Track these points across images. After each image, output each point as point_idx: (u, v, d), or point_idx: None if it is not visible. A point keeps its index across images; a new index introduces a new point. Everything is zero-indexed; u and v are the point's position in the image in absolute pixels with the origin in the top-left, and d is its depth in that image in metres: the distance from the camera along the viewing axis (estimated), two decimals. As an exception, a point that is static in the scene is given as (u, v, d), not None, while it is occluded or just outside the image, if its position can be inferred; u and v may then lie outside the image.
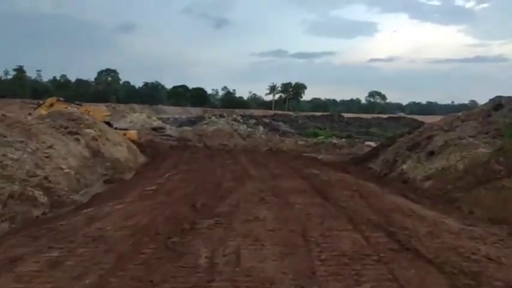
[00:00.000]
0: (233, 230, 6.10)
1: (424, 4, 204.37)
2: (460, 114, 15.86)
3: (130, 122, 38.56)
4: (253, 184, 10.18)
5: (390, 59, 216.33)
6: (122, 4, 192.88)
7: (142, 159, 18.57)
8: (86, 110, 25.40)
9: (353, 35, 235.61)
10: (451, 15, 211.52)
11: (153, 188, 9.76)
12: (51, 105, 23.02)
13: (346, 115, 72.27)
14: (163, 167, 15.11)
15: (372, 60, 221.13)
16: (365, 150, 33.28)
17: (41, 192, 9.44)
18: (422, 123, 68.31)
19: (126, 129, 28.87)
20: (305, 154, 26.15)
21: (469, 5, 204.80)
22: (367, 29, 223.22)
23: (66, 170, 12.16)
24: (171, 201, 7.74)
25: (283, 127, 47.10)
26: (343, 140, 40.03)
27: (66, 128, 15.62)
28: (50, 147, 12.71)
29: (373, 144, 39.47)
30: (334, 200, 8.42)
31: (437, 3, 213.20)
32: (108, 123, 25.65)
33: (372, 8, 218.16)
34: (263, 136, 34.68)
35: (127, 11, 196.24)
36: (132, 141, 25.71)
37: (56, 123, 15.42)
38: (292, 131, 45.95)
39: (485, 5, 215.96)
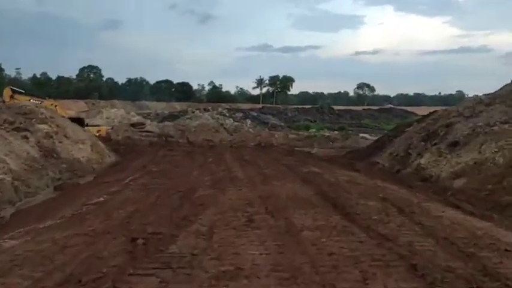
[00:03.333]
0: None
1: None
2: (481, 96, 13.51)
3: (107, 118, 35.70)
4: (238, 192, 7.53)
5: (376, 52, 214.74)
6: (106, 1, 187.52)
7: (110, 159, 15.91)
8: (51, 104, 22.85)
9: (338, 28, 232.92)
10: (436, 7, 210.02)
11: (100, 199, 7.20)
12: (11, 97, 20.03)
13: (336, 107, 70.08)
14: (130, 168, 12.50)
15: (357, 53, 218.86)
16: (360, 143, 31.27)
17: None
18: (413, 113, 67.08)
19: (99, 126, 26.24)
20: (297, 148, 23.87)
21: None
22: (353, 22, 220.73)
23: (1, 176, 9.51)
24: (103, 230, 5.00)
25: (273, 120, 44.67)
26: (336, 132, 38.03)
27: (12, 123, 12.90)
28: (-20, 147, 10.05)
29: (368, 136, 37.55)
30: (362, 219, 5.68)
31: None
32: (78, 119, 23.16)
33: (357, 1, 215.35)
34: (251, 130, 32.27)
35: (112, 8, 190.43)
36: (104, 138, 23.25)
37: (-3, 118, 12.69)
38: (282, 124, 43.57)
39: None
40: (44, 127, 13.77)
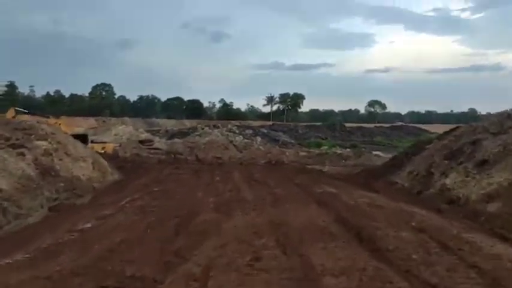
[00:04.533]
0: None
1: (419, 15, 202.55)
2: (509, 111, 12.50)
3: (115, 135, 35.12)
4: (245, 216, 6.61)
5: (386, 70, 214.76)
6: (120, 21, 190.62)
7: (113, 176, 15.15)
8: (55, 122, 22.49)
9: (349, 46, 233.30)
10: (446, 25, 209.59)
11: (87, 226, 6.36)
12: (13, 117, 19.76)
13: (347, 124, 69.05)
14: (131, 187, 11.71)
15: (368, 71, 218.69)
16: (373, 161, 30.17)
17: None
18: (425, 131, 65.80)
19: (105, 142, 25.64)
20: (308, 166, 23.01)
21: (464, 15, 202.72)
22: (364, 40, 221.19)
23: (-13, 197, 8.77)
24: (71, 272, 3.87)
25: (283, 137, 43.79)
26: (348, 150, 36.98)
27: (8, 139, 12.22)
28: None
29: (381, 153, 36.44)
30: (398, 258, 4.57)
31: (432, 14, 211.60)
32: (83, 136, 22.64)
33: (368, 20, 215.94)
34: (261, 147, 31.44)
35: (125, 28, 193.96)
36: (111, 155, 22.64)
37: (-7, 134, 12.04)
38: (293, 141, 42.67)
39: (480, 15, 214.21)
40: (43, 143, 13.08)
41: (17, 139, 12.40)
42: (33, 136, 13.25)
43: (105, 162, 15.81)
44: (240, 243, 5.06)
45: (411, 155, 15.38)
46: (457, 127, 15.10)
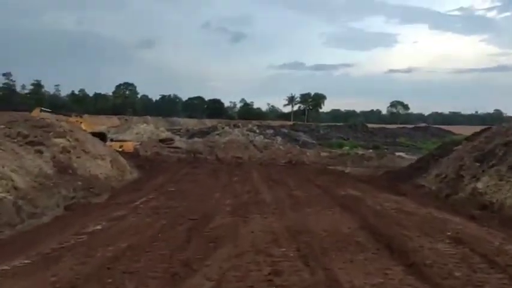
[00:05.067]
0: None
1: (444, 15, 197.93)
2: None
3: (136, 134, 35.29)
4: (263, 221, 6.21)
5: (409, 70, 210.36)
6: (142, 21, 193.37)
7: (132, 175, 15.00)
8: (76, 120, 22.84)
9: (372, 46, 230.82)
10: (472, 25, 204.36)
11: (97, 228, 6.09)
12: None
13: (369, 125, 67.75)
14: (147, 187, 11.47)
15: (391, 71, 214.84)
16: (397, 162, 29.32)
17: None
18: (450, 132, 63.90)
19: (124, 141, 25.69)
20: (330, 167, 22.51)
21: (490, 14, 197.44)
22: (386, 40, 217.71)
23: (2, 195, 8.63)
24: (68, 283, 3.68)
25: (304, 137, 43.19)
26: (370, 150, 36.20)
27: (26, 136, 12.16)
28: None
29: (404, 155, 35.52)
30: (438, 275, 3.92)
31: (457, 13, 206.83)
32: (100, 134, 22.80)
33: (390, 19, 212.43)
34: (281, 147, 30.92)
35: (147, 28, 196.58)
36: (131, 153, 22.66)
37: (12, 131, 11.99)
38: (314, 141, 42.04)
39: (507, 14, 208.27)
40: (61, 141, 13.01)
41: (35, 136, 12.35)
42: (51, 134, 13.20)
43: (124, 161, 15.68)
44: (257, 253, 4.59)
45: (438, 157, 14.72)
46: (487, 128, 14.36)
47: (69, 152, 12.88)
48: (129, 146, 23.59)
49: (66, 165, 12.22)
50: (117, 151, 20.23)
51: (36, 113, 21.21)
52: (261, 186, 10.76)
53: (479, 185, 10.03)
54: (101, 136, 21.44)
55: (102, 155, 14.33)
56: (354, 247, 4.90)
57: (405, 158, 33.21)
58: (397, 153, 35.46)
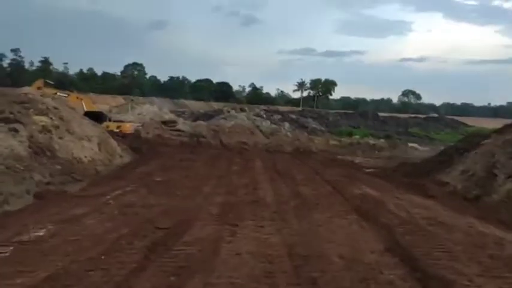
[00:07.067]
0: None
1: (459, 4, 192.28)
2: None
3: (138, 114, 33.97)
4: (257, 232, 4.65)
5: (422, 59, 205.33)
6: (153, 2, 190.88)
7: (122, 159, 13.66)
8: (77, 97, 21.79)
9: (384, 34, 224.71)
10: (487, 15, 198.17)
11: (39, 234, 4.69)
12: (39, 88, 19.09)
13: (380, 114, 65.75)
14: (133, 174, 10.11)
15: (403, 60, 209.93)
16: (409, 153, 27.80)
17: None
18: (463, 124, 61.74)
19: (122, 122, 24.38)
20: (339, 156, 21.12)
21: (507, 5, 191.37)
22: (400, 28, 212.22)
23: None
24: None
25: (313, 124, 41.65)
26: (382, 140, 34.69)
27: (0, 112, 10.83)
28: None
29: (417, 146, 33.91)
30: None
31: (473, 2, 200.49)
32: (97, 113, 21.65)
33: (405, 7, 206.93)
34: (289, 134, 29.46)
35: (158, 9, 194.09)
36: (131, 135, 21.47)
37: (-16, 106, 10.66)
38: (323, 128, 40.52)
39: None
40: (42, 119, 11.66)
41: (11, 113, 10.99)
42: (31, 110, 11.84)
43: (114, 143, 14.32)
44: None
45: (463, 151, 13.16)
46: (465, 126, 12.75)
47: (50, 131, 11.54)
48: (127, 128, 22.29)
49: (45, 147, 10.88)
50: (115, 132, 19.00)
51: (37, 84, 19.95)
52: (261, 179, 9.34)
53: (519, 187, 8.53)
54: (98, 116, 20.20)
55: (89, 136, 12.97)
56: (385, 285, 3.37)
57: (418, 149, 31.66)
58: (410, 144, 33.84)
